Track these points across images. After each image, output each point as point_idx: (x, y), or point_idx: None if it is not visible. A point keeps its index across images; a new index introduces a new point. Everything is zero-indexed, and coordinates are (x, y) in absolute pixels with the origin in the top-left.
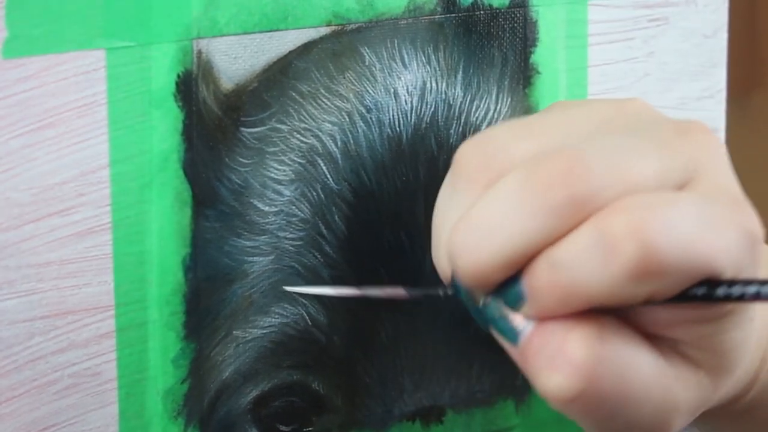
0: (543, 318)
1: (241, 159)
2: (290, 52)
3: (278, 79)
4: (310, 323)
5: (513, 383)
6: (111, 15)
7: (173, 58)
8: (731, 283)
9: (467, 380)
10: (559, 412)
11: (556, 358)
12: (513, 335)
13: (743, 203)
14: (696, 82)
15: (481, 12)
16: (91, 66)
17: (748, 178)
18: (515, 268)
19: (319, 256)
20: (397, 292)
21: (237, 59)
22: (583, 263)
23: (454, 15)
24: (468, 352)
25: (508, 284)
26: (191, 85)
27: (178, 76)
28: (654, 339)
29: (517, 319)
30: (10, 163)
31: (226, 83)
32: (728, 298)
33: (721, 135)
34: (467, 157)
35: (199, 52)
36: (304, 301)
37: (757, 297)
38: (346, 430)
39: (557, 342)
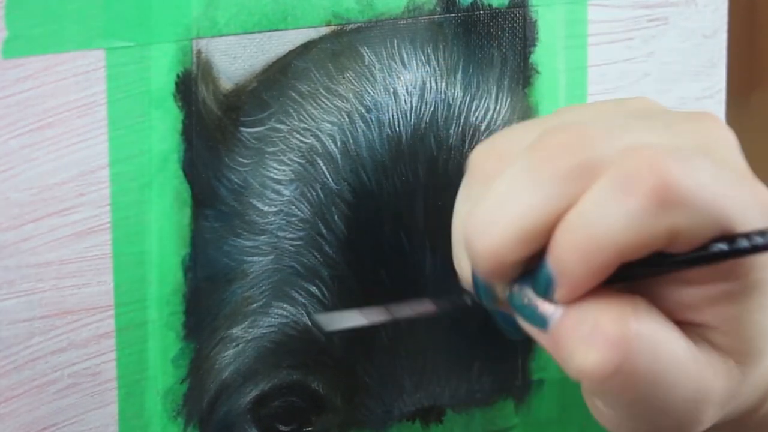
0: (572, 300)
1: (240, 159)
2: (290, 52)
3: (278, 79)
4: (309, 323)
5: (512, 383)
6: (110, 15)
7: (173, 58)
8: (749, 235)
9: (467, 380)
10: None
11: (592, 334)
12: (542, 321)
13: (757, 180)
14: (696, 83)
15: (481, 12)
16: (91, 66)
17: None
18: (533, 246)
19: (318, 256)
20: (425, 306)
21: (236, 59)
22: (602, 210)
23: (453, 15)
24: (468, 352)
25: (533, 272)
26: (191, 85)
27: (178, 76)
28: (683, 326)
29: (545, 306)
30: (9, 163)
31: (226, 83)
32: (755, 249)
33: None
34: (480, 159)
35: (199, 52)
36: (303, 301)
37: None
38: (346, 430)
39: (591, 319)
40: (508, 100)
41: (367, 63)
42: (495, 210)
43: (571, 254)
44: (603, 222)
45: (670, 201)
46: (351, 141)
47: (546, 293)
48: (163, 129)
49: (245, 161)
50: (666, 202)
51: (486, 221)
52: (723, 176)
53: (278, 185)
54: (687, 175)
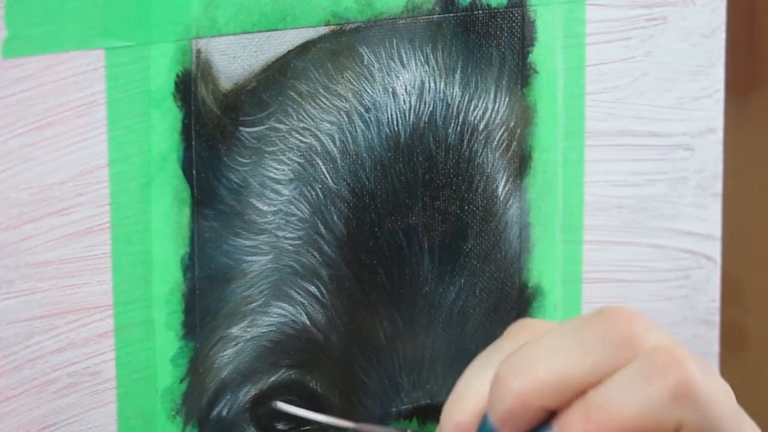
0: None
1: (240, 158)
2: (289, 51)
3: (277, 78)
4: (308, 323)
5: None
6: (110, 15)
7: (172, 57)
8: None
9: None
10: None
11: None
12: None
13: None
14: (694, 82)
15: (479, 12)
16: (91, 66)
17: (745, 177)
18: (560, 399)
19: (317, 256)
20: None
21: (236, 59)
22: (625, 390)
23: (452, 15)
24: (465, 350)
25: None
26: (190, 85)
27: (177, 75)
28: None
29: None
30: (9, 163)
31: (225, 83)
32: None
33: (720, 134)
34: (516, 328)
35: (198, 52)
36: (302, 300)
37: None
38: (344, 429)
39: None
40: (507, 99)
41: (366, 63)
42: (539, 355)
43: (585, 423)
44: (623, 401)
45: (687, 396)
46: (350, 140)
47: None
48: (162, 129)
49: (244, 161)
50: (683, 397)
51: (527, 361)
52: (724, 387)
53: (277, 185)
54: (704, 379)
